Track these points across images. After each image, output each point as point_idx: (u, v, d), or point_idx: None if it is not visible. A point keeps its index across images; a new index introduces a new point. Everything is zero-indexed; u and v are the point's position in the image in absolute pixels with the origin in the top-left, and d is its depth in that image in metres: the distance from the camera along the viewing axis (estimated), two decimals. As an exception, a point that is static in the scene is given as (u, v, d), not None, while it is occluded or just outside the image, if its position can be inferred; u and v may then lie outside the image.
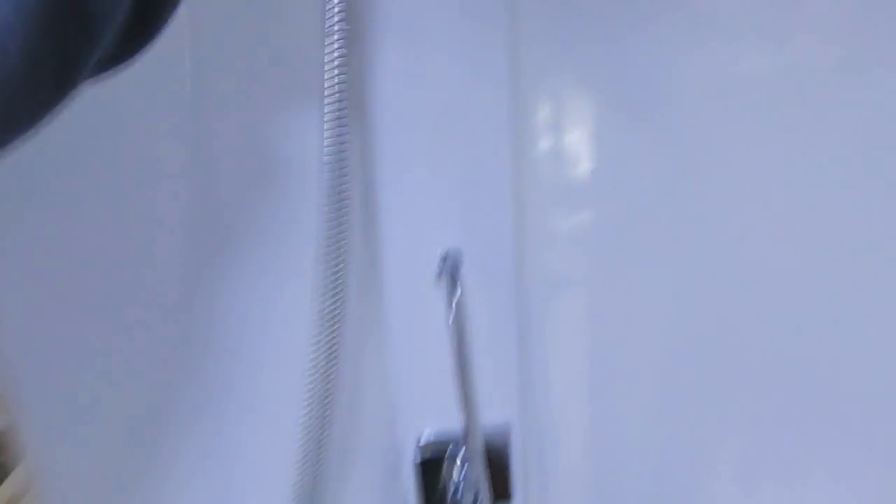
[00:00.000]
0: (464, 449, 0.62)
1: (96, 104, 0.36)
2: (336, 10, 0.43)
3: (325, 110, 0.46)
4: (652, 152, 0.56)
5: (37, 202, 0.47)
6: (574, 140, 0.56)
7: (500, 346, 0.60)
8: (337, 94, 0.45)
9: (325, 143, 0.46)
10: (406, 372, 0.61)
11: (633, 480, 0.67)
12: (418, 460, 0.63)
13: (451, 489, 0.63)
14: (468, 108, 0.52)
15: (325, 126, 0.46)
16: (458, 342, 0.51)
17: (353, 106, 0.47)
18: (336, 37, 0.44)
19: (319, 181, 0.47)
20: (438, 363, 0.56)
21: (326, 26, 0.44)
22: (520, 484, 0.67)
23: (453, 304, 0.51)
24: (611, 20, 0.52)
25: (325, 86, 0.45)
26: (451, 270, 0.52)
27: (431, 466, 0.63)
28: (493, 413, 0.61)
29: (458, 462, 0.63)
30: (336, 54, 0.44)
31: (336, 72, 0.45)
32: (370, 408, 0.61)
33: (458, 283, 0.51)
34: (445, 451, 0.63)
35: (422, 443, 0.63)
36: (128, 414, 0.54)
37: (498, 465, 0.64)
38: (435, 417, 0.62)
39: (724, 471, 0.65)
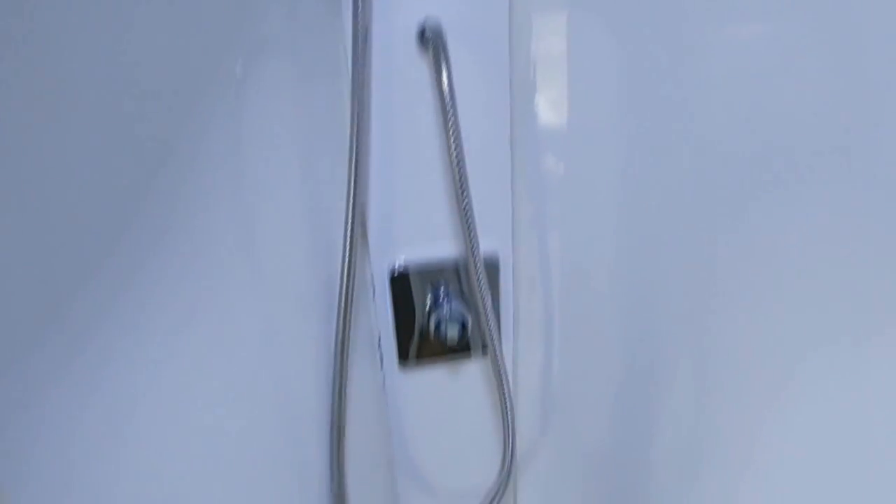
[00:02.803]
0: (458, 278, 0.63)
1: None
2: None
3: None
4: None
5: None
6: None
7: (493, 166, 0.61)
8: None
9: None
10: (383, 197, 0.61)
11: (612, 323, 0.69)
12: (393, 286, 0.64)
13: (434, 323, 0.63)
14: None
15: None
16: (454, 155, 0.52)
17: None
18: None
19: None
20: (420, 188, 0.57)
21: None
22: (508, 319, 0.69)
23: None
24: None
25: None
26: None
27: (406, 294, 0.65)
28: (483, 243, 0.61)
29: (440, 293, 0.64)
30: None
31: None
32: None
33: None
34: (422, 282, 0.64)
35: (397, 271, 0.64)
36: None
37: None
38: (412, 246, 0.63)
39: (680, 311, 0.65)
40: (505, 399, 0.63)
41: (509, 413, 0.64)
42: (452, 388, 0.73)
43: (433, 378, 0.71)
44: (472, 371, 0.72)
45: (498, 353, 0.60)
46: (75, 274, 0.34)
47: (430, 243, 0.64)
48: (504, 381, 0.61)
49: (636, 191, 0.60)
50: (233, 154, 0.46)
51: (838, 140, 0.43)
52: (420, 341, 0.67)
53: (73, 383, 0.34)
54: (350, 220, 0.55)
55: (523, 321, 0.72)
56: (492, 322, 0.58)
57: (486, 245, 0.64)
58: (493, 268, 0.65)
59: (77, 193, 0.33)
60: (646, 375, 0.68)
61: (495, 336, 0.59)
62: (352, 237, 0.55)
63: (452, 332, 0.61)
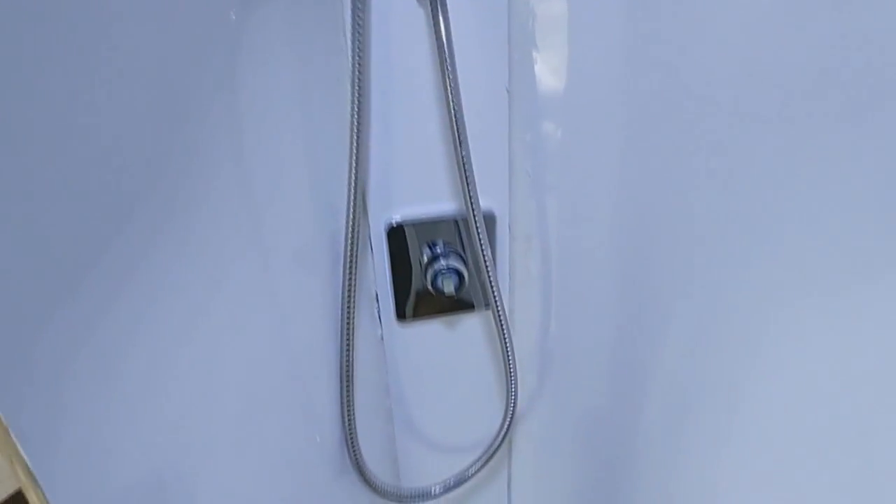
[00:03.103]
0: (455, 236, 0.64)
1: None
2: None
3: None
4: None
5: None
6: None
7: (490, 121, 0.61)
8: None
9: None
10: (381, 154, 0.62)
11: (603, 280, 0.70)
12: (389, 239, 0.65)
13: (430, 274, 0.65)
14: None
15: None
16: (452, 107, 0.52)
17: None
18: None
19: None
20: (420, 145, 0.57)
21: None
22: (504, 276, 0.71)
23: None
24: None
25: None
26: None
27: (403, 249, 0.66)
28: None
29: (437, 248, 0.66)
30: None
31: None
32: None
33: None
34: (419, 236, 0.66)
35: (394, 227, 0.65)
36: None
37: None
38: (408, 203, 0.64)
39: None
40: (507, 350, 0.64)
41: (512, 364, 0.66)
42: (449, 342, 0.74)
43: (430, 333, 0.73)
44: (469, 326, 0.74)
45: (499, 304, 0.61)
46: (108, 228, 0.35)
47: (427, 200, 0.65)
48: (505, 332, 0.63)
49: (634, 146, 0.61)
50: (230, 106, 0.46)
51: (833, 83, 0.44)
52: (417, 296, 0.69)
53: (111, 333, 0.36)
54: (353, 176, 0.56)
55: (519, 278, 0.73)
56: (492, 274, 0.59)
57: (482, 202, 0.65)
58: (489, 224, 0.66)
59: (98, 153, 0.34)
60: (640, 332, 0.69)
61: (496, 288, 0.60)
62: (355, 193, 0.56)
63: (449, 285, 0.62)
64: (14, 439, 0.31)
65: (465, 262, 0.65)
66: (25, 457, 0.32)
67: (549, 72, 0.61)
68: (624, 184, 0.63)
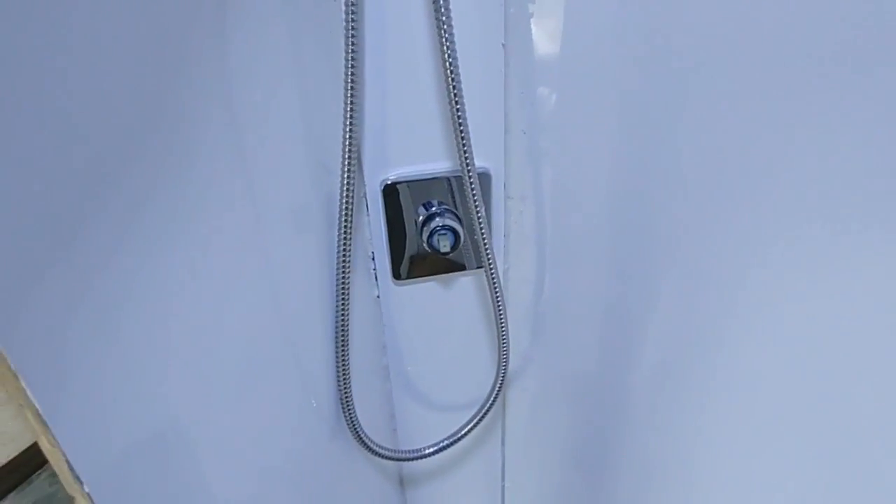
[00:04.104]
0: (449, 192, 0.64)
1: None
2: None
3: None
4: None
5: None
6: None
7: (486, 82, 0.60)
8: None
9: None
10: (376, 114, 0.61)
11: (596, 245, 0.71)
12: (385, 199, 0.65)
13: (426, 233, 0.65)
14: None
15: None
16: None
17: None
18: None
19: None
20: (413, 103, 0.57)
21: None
22: (499, 236, 0.71)
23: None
24: None
25: None
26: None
27: (399, 209, 0.66)
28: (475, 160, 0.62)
29: (432, 207, 0.66)
30: None
31: None
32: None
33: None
34: (415, 195, 0.66)
35: (389, 186, 0.65)
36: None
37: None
38: (404, 163, 0.64)
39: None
40: (499, 310, 0.65)
41: (503, 323, 0.67)
42: (445, 301, 0.75)
43: (426, 292, 0.74)
44: (465, 285, 0.74)
45: (492, 264, 0.62)
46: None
47: (423, 159, 0.65)
48: (498, 292, 0.64)
49: (631, 104, 0.61)
50: (220, 58, 0.46)
51: (826, 34, 0.44)
52: (413, 256, 0.69)
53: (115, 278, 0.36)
54: (347, 134, 0.55)
55: (513, 238, 0.74)
56: (485, 233, 0.60)
57: (477, 161, 0.65)
58: (484, 183, 0.66)
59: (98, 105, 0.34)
60: (632, 291, 0.70)
61: (489, 247, 0.61)
62: (349, 151, 0.56)
63: (445, 243, 0.63)
64: (24, 386, 0.32)
65: (460, 221, 0.65)
66: (37, 404, 0.33)
67: (545, 26, 0.60)
68: (621, 143, 0.64)
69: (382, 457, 0.71)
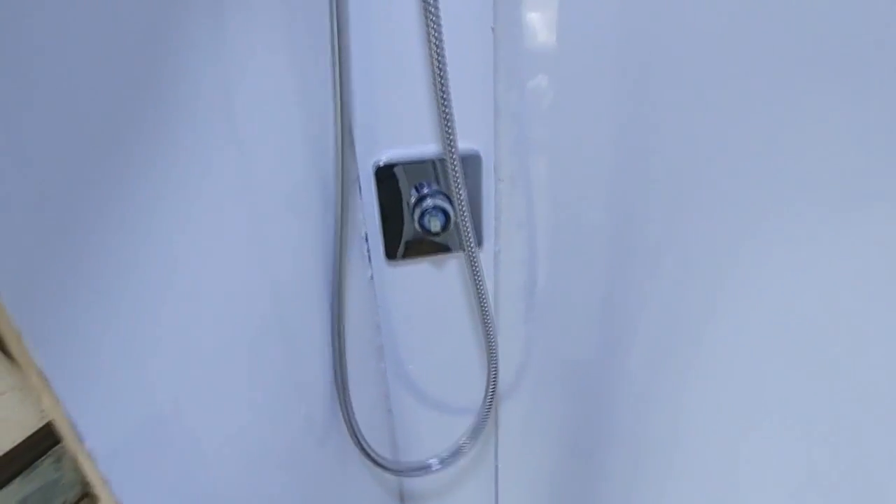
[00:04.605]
0: (436, 174, 0.65)
1: None
2: None
3: None
4: None
5: None
6: None
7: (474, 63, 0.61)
8: None
9: None
10: (364, 92, 0.62)
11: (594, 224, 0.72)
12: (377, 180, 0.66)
13: (417, 213, 0.67)
14: None
15: None
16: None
17: None
18: None
19: None
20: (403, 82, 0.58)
21: None
22: (490, 218, 0.72)
23: None
24: None
25: None
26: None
27: (391, 190, 0.67)
28: (463, 142, 0.65)
29: (424, 188, 0.67)
30: None
31: None
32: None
33: None
34: (406, 177, 0.67)
35: (382, 168, 0.66)
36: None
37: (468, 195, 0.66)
38: (396, 145, 0.65)
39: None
40: (480, 291, 0.67)
41: (486, 305, 0.68)
42: (438, 282, 0.77)
43: (419, 273, 0.75)
44: (457, 266, 0.76)
45: (472, 247, 0.63)
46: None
47: (415, 141, 0.66)
48: (478, 272, 0.65)
49: (624, 87, 0.61)
50: (215, 36, 0.47)
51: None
52: (406, 237, 0.70)
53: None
54: (339, 114, 0.57)
55: (505, 220, 0.75)
56: (466, 215, 0.61)
57: (466, 143, 0.66)
58: (473, 165, 0.67)
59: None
60: (629, 276, 0.71)
61: (469, 229, 0.62)
62: (342, 132, 0.57)
63: (436, 223, 0.64)
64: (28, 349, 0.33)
65: (451, 202, 0.66)
66: (45, 372, 0.34)
67: (535, 10, 0.61)
68: (614, 126, 0.64)
69: (377, 464, 0.74)
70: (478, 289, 0.66)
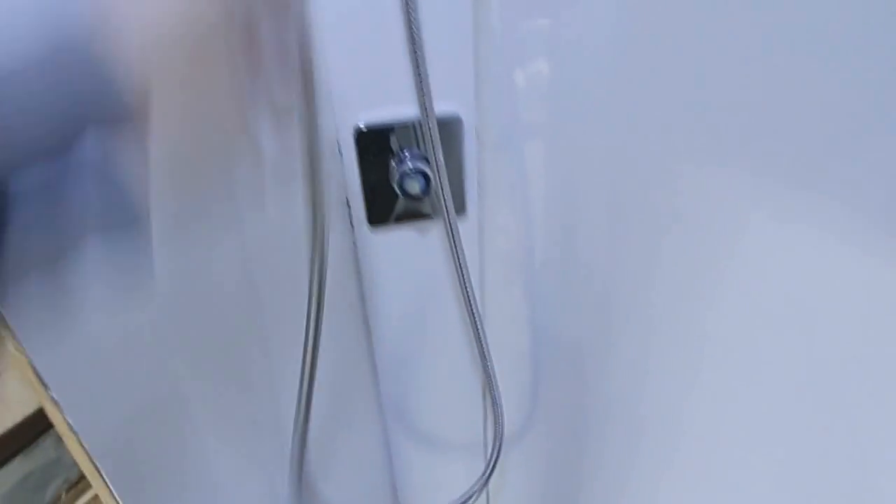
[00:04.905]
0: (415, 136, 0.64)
1: None
2: None
3: None
4: None
5: None
6: None
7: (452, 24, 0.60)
8: None
9: None
10: (342, 54, 0.61)
11: (587, 195, 0.71)
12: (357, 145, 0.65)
13: (397, 176, 0.66)
14: None
15: None
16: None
17: None
18: None
19: None
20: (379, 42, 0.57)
21: None
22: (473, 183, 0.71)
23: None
24: None
25: None
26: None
27: (372, 153, 0.66)
28: (444, 104, 0.63)
29: (404, 151, 0.66)
30: None
31: None
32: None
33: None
34: (387, 140, 0.66)
35: (362, 131, 0.65)
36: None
37: (449, 160, 0.66)
38: (375, 109, 0.64)
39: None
40: (457, 257, 0.66)
41: (464, 272, 0.68)
42: (421, 248, 0.76)
43: (402, 238, 0.75)
44: (441, 232, 0.75)
45: (449, 212, 0.62)
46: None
47: (394, 103, 0.65)
48: (455, 241, 0.64)
49: (620, 50, 0.60)
50: None
51: None
52: (388, 201, 0.70)
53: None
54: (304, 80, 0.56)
55: (490, 185, 0.74)
56: (443, 179, 0.60)
57: (446, 106, 0.65)
58: (454, 128, 0.66)
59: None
60: (622, 243, 0.70)
61: (446, 194, 0.61)
62: (307, 96, 0.56)
63: (415, 186, 0.63)
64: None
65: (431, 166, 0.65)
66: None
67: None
68: (607, 90, 0.62)
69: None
70: (456, 256, 0.65)
